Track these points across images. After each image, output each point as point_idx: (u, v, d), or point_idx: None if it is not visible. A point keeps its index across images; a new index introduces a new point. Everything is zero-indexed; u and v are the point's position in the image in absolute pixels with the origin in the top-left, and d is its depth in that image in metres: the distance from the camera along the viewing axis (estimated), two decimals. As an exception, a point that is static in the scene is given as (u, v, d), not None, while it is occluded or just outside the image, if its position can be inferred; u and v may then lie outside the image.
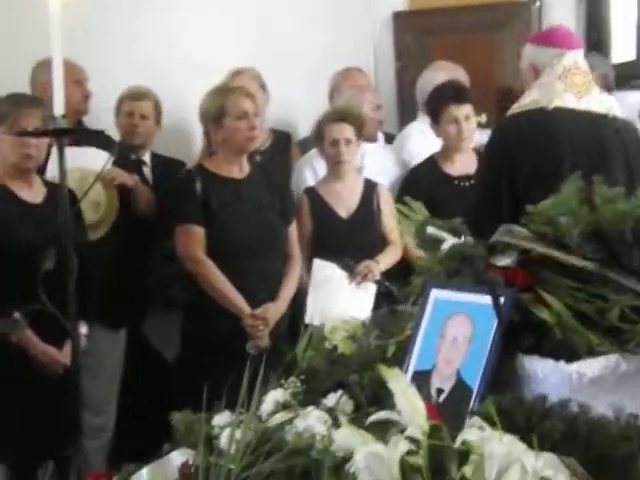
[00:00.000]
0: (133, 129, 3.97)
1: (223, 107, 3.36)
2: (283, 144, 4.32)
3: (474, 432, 1.28)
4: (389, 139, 4.47)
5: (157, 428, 2.51)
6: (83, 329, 2.90)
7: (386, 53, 5.10)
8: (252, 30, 4.62)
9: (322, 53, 4.80)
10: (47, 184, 3.18)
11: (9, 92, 3.19)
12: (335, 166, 3.71)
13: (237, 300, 3.32)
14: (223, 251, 3.33)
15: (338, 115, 3.67)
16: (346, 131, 3.63)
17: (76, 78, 3.66)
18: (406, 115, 4.88)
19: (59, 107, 2.16)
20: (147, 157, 4.08)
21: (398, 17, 5.05)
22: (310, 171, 4.01)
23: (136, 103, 3.98)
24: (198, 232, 3.34)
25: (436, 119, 3.79)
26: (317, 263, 3.58)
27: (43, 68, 3.63)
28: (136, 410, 3.78)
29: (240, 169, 3.45)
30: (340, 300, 3.49)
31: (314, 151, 3.91)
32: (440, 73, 4.15)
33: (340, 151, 3.64)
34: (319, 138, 3.72)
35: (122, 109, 3.98)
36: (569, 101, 2.75)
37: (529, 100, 2.78)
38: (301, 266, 3.54)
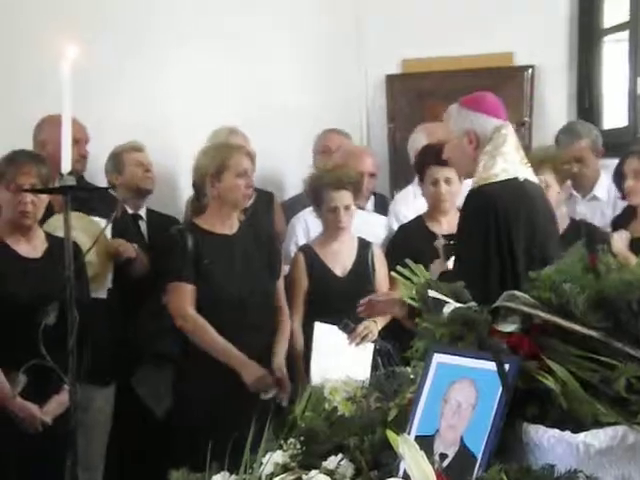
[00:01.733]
0: (146, 175, 4.02)
1: (224, 163, 3.39)
2: (266, 203, 4.35)
3: (488, 503, 1.27)
4: (381, 201, 4.48)
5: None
6: None
7: (379, 115, 5.14)
8: (243, 90, 4.66)
9: (314, 114, 4.84)
10: (49, 238, 3.17)
11: (10, 149, 3.18)
12: (334, 231, 3.73)
13: (233, 351, 3.30)
14: (216, 306, 3.33)
15: (338, 182, 3.67)
16: (345, 198, 3.66)
17: (75, 137, 3.65)
18: (398, 176, 4.91)
19: (66, 164, 2.17)
20: (143, 212, 4.09)
21: (391, 80, 5.10)
22: (302, 229, 4.02)
23: (141, 154, 4.03)
24: (189, 290, 3.35)
25: (421, 179, 3.84)
26: (318, 326, 3.58)
27: (44, 125, 3.67)
28: (125, 465, 3.72)
29: (231, 225, 3.48)
30: (340, 361, 3.45)
31: (308, 209, 3.92)
32: (423, 135, 4.20)
33: (340, 218, 3.67)
34: (317, 201, 3.73)
35: (128, 161, 4.00)
36: (525, 172, 2.86)
37: (499, 170, 2.80)
38: (290, 318, 3.57)
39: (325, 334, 3.58)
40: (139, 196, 4.04)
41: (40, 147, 3.58)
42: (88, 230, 3.41)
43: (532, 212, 2.83)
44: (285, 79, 4.85)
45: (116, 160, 4.02)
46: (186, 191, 4.30)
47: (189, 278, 3.34)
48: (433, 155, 3.80)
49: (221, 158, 3.41)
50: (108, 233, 3.58)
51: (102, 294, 3.58)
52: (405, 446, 1.41)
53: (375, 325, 3.62)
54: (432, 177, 3.76)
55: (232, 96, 4.60)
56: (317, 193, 3.71)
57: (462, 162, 2.95)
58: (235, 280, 3.37)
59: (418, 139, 4.19)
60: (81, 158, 3.75)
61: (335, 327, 3.55)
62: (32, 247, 3.13)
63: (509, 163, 2.84)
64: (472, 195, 2.83)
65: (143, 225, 4.05)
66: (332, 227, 3.71)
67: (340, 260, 3.73)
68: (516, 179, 2.83)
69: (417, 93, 5.05)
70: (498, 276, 2.73)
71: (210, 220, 3.44)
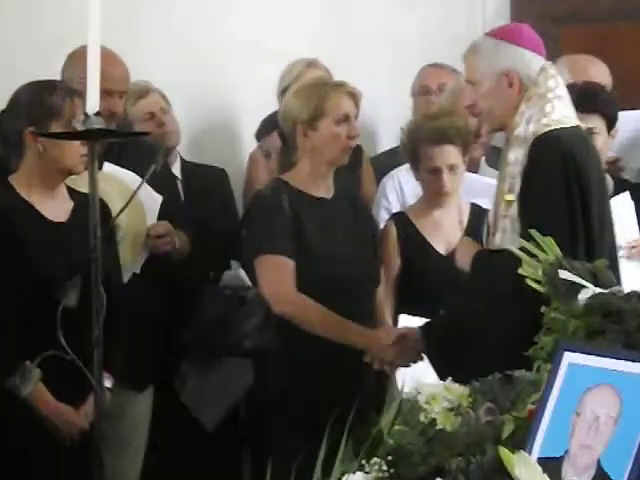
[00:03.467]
0: (159, 130, 3.99)
1: (320, 107, 3.40)
2: (353, 159, 4.33)
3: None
4: (495, 156, 4.43)
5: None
6: (107, 382, 2.93)
7: (500, 46, 5.11)
8: (322, 12, 4.67)
9: (419, 43, 4.83)
10: (74, 195, 3.21)
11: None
12: (435, 196, 3.72)
13: (357, 328, 3.35)
14: (318, 286, 3.36)
15: (441, 135, 3.63)
16: (450, 156, 3.62)
17: (109, 87, 3.44)
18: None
19: (93, 102, 2.21)
20: (177, 168, 4.12)
21: (516, 1, 5.08)
22: (395, 190, 4.02)
23: (147, 100, 4.02)
24: (289, 266, 3.38)
25: None
26: (404, 319, 3.54)
27: (71, 61, 3.70)
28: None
29: (327, 187, 3.52)
30: None
31: (404, 167, 3.92)
32: (565, 70, 4.12)
33: (442, 182, 3.64)
34: (414, 159, 3.72)
35: (134, 116, 3.97)
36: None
37: (560, 116, 2.93)
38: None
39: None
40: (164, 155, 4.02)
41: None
42: (121, 192, 3.43)
43: (600, 166, 3.05)
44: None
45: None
46: (248, 142, 4.37)
47: (289, 251, 3.37)
48: (584, 98, 3.76)
49: (315, 100, 3.40)
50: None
51: (134, 268, 3.62)
52: (523, 467, 1.42)
53: None
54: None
55: (310, 20, 4.62)
56: (415, 149, 3.69)
57: (499, 110, 3.03)
58: (341, 256, 3.41)
59: (569, 73, 4.09)
60: (110, 115, 3.56)
61: (424, 320, 3.53)
62: (58, 207, 3.18)
63: (568, 108, 2.98)
64: (541, 142, 2.89)
65: (178, 184, 4.09)
66: (432, 192, 3.70)
67: (444, 233, 3.71)
68: (579, 127, 3.01)
69: (549, 16, 5.00)
70: (584, 237, 2.86)
71: (303, 179, 3.46)
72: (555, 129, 2.90)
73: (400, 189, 4.01)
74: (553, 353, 1.89)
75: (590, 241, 2.88)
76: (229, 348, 3.66)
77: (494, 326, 2.83)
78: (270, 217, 3.41)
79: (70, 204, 3.20)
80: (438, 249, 3.70)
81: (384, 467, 1.97)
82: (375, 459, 1.99)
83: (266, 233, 3.41)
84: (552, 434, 1.78)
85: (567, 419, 1.76)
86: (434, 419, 2.12)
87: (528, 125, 2.92)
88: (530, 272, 2.11)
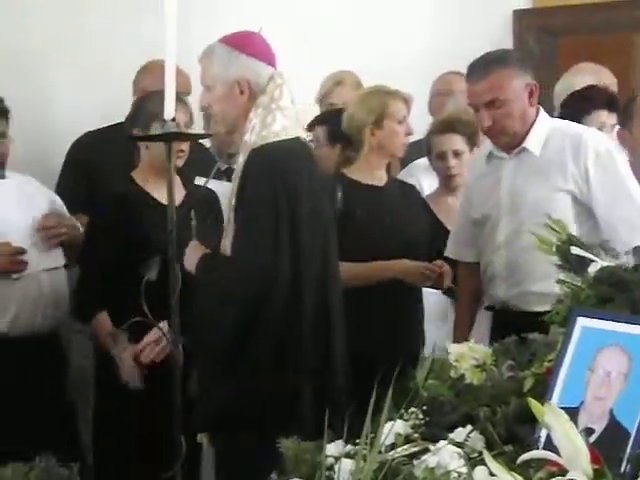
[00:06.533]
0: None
1: (384, 110, 3.37)
2: None
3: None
4: None
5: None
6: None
7: (505, 55, 5.03)
8: (356, 32, 4.63)
9: (433, 54, 4.78)
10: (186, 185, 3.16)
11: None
12: (445, 180, 3.68)
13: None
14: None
15: (444, 125, 3.63)
16: (454, 142, 3.59)
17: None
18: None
19: (170, 110, 2.21)
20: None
21: (519, 15, 5.01)
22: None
23: None
24: None
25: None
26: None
27: (146, 72, 3.72)
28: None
29: (381, 177, 3.45)
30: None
31: (423, 165, 3.88)
32: (586, 77, 4.03)
33: (448, 164, 3.61)
34: (428, 150, 3.71)
35: None
36: (301, 130, 2.83)
37: (279, 128, 2.68)
38: None
39: (428, 298, 3.47)
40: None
41: (140, 94, 3.61)
42: None
43: (313, 177, 2.80)
44: (401, 15, 4.80)
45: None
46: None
47: None
48: (604, 98, 3.65)
49: (380, 104, 3.36)
50: None
51: None
52: (552, 416, 1.38)
53: None
54: (600, 122, 3.57)
55: (347, 40, 4.57)
56: (427, 141, 3.70)
57: (230, 115, 2.75)
58: (387, 239, 3.33)
59: (582, 80, 3.97)
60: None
61: (438, 291, 3.44)
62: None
63: (289, 119, 2.73)
64: (256, 154, 2.66)
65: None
66: (443, 176, 3.66)
67: (455, 216, 3.57)
68: (298, 139, 2.77)
69: (549, 31, 4.92)
70: (288, 245, 2.63)
71: (361, 171, 3.41)
72: (270, 142, 2.66)
73: (419, 185, 3.94)
74: (567, 318, 1.85)
75: (298, 245, 2.66)
76: None
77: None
78: None
79: (182, 192, 3.12)
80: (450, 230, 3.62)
81: (420, 416, 1.95)
82: (412, 409, 1.97)
83: None
84: (569, 387, 1.74)
85: (582, 374, 1.72)
86: (463, 374, 2.10)
87: (251, 134, 2.68)
88: (546, 250, 2.07)
